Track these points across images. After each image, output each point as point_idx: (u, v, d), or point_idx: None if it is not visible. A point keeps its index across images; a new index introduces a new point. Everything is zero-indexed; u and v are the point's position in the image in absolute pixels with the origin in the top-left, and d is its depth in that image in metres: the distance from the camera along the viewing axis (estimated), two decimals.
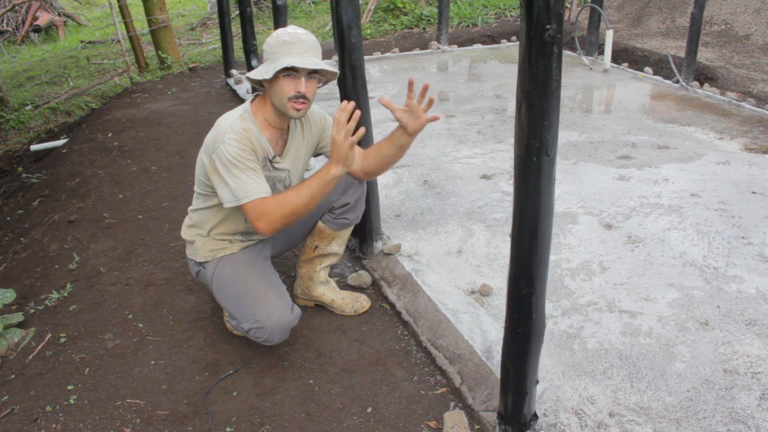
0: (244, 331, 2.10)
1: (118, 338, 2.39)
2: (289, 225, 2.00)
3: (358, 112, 1.91)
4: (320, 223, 2.38)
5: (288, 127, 2.16)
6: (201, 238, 2.21)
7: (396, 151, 2.18)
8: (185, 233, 2.27)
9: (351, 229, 2.47)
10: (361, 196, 2.38)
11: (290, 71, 1.94)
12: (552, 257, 2.52)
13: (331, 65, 2.06)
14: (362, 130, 1.93)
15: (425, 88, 2.02)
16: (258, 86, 2.08)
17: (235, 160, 1.95)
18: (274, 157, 2.12)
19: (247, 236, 2.23)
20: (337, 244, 2.44)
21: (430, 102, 2.06)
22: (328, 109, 3.11)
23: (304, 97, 1.98)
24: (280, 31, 1.99)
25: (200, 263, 2.24)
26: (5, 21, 10.64)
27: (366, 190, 2.42)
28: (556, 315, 2.35)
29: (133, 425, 1.97)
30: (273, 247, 2.37)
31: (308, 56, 1.96)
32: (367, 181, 2.46)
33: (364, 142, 2.56)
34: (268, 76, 1.93)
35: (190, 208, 2.26)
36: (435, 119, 2.09)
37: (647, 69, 5.98)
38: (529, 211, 1.43)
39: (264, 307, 2.05)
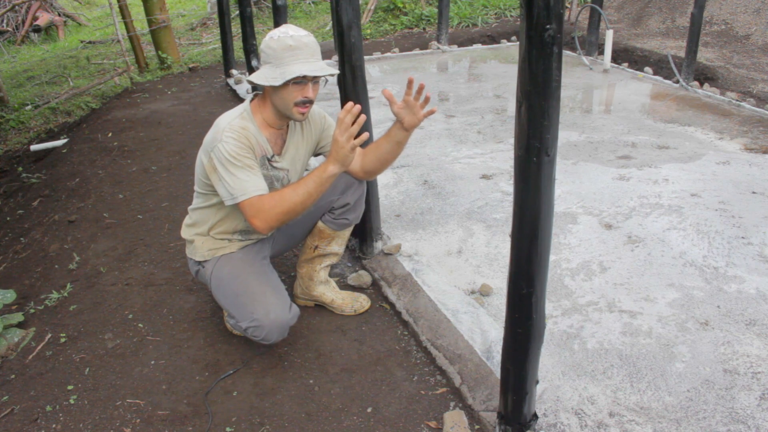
0: (242, 329, 2.10)
1: (118, 338, 2.39)
2: (286, 222, 2.01)
3: (363, 117, 1.91)
4: (320, 223, 2.38)
5: (287, 126, 2.17)
6: (200, 237, 2.21)
7: (394, 147, 2.19)
8: (185, 232, 2.27)
9: (351, 229, 2.47)
10: (361, 197, 2.38)
11: (298, 77, 1.95)
12: (552, 257, 2.52)
13: (332, 66, 2.07)
14: (365, 135, 1.94)
15: (421, 87, 2.07)
16: (256, 85, 2.08)
17: (233, 158, 1.95)
18: (272, 156, 2.12)
19: (245, 235, 2.23)
20: (337, 244, 2.44)
21: (427, 99, 2.10)
22: (328, 109, 3.11)
23: (310, 101, 2.00)
24: (281, 33, 1.96)
25: (199, 262, 2.24)
26: (5, 21, 10.65)
27: (366, 190, 2.42)
28: (556, 315, 2.35)
29: (133, 425, 1.97)
30: (272, 246, 2.37)
31: (315, 61, 1.97)
32: (367, 181, 2.46)
33: (365, 142, 2.56)
34: (278, 83, 1.92)
35: (190, 207, 2.27)
36: (431, 113, 2.12)
37: (647, 69, 5.98)
38: (529, 211, 1.43)
39: (262, 306, 2.05)
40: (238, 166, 1.95)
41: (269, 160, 2.11)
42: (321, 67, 1.96)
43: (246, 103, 2.10)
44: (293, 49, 1.93)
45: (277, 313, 2.05)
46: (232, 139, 1.96)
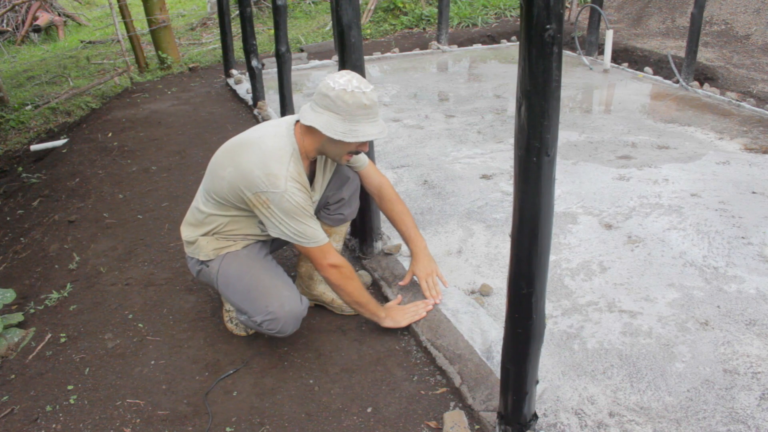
0: (255, 324, 2.10)
1: (118, 338, 2.39)
2: (334, 289, 2.20)
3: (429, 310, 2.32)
4: None
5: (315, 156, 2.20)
6: (204, 237, 2.20)
7: (398, 231, 2.47)
8: (187, 233, 2.25)
9: (347, 225, 2.48)
10: (356, 191, 2.39)
11: None
12: (552, 257, 2.52)
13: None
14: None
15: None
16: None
17: (301, 208, 1.99)
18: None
19: (252, 237, 2.24)
20: (335, 241, 2.45)
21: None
22: None
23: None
24: (354, 88, 1.95)
25: (203, 262, 2.23)
26: (5, 21, 10.65)
27: (360, 186, 2.42)
28: (556, 315, 2.35)
29: (133, 425, 1.97)
30: (272, 244, 2.38)
31: (380, 120, 2.04)
32: None
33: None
34: (349, 140, 1.97)
35: (201, 209, 2.19)
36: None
37: (647, 69, 5.98)
38: (529, 211, 1.43)
39: (276, 299, 2.07)
40: (306, 215, 2.02)
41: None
42: (384, 128, 2.05)
43: (292, 138, 2.07)
44: (367, 108, 1.97)
45: (291, 305, 2.08)
46: (296, 190, 1.99)
